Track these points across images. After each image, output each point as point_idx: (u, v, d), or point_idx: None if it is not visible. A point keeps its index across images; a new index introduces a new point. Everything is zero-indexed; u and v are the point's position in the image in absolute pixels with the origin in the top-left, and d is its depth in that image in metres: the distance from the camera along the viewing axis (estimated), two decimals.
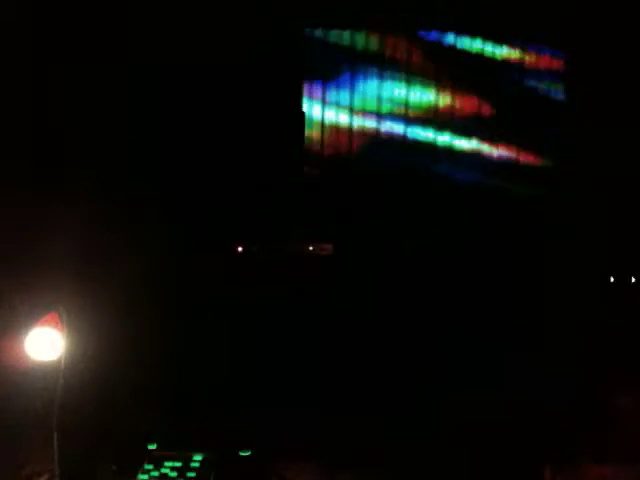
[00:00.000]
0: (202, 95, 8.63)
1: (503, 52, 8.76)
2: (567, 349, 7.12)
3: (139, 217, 7.79)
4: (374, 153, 8.78)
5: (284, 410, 6.81)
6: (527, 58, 8.73)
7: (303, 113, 8.77)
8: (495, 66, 8.75)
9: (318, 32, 8.90)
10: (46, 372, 5.38)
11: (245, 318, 7.58)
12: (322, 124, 8.93)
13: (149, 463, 5.56)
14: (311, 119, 8.93)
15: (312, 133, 8.93)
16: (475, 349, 7.24)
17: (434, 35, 8.72)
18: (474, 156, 8.72)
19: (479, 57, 8.75)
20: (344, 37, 8.88)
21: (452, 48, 8.73)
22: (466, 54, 8.76)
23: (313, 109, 8.96)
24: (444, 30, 8.71)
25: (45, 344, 5.34)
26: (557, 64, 8.77)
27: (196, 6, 8.42)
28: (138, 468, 5.52)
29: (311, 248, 8.30)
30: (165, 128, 8.57)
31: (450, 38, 8.73)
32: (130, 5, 8.27)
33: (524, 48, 8.69)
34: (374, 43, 8.81)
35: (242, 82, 8.61)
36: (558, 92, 8.70)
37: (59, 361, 5.30)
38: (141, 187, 8.10)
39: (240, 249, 8.36)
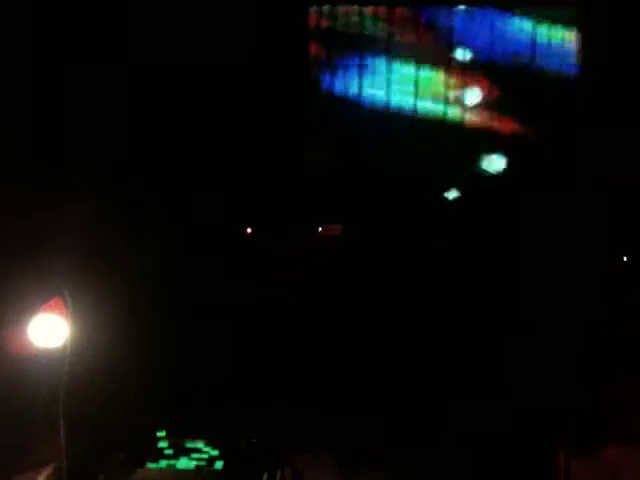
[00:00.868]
0: (203, 95, 8.60)
1: (514, 26, 8.72)
2: (578, 333, 7.08)
3: (141, 209, 7.75)
4: (383, 133, 8.72)
5: (291, 409, 6.75)
6: (539, 32, 8.70)
7: (308, 98, 8.72)
8: (506, 41, 8.72)
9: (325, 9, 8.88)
10: (51, 359, 5.31)
11: (253, 312, 7.54)
12: (329, 107, 8.88)
13: (158, 451, 5.49)
14: (318, 102, 8.88)
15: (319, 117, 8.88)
16: (482, 339, 7.20)
17: (442, 10, 8.70)
18: (483, 133, 8.68)
19: (489, 32, 8.73)
20: (351, 17, 8.86)
21: (460, 23, 8.71)
22: (475, 29, 8.73)
23: (320, 92, 8.91)
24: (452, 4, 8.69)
25: (49, 330, 5.26)
26: (570, 38, 8.73)
27: (196, 6, 8.41)
28: (147, 456, 5.45)
29: (320, 229, 8.25)
30: (165, 128, 8.53)
31: (458, 13, 8.71)
32: (130, 5, 8.26)
33: (536, 21, 8.67)
34: (381, 24, 8.79)
35: (243, 81, 8.58)
36: (571, 69, 8.66)
37: (64, 347, 5.24)
38: (142, 182, 8.05)
39: (249, 231, 8.30)
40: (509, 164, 8.70)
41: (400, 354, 7.44)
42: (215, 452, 5.47)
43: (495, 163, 8.68)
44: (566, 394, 6.55)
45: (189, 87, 8.59)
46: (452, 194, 8.51)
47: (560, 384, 6.65)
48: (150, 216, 7.95)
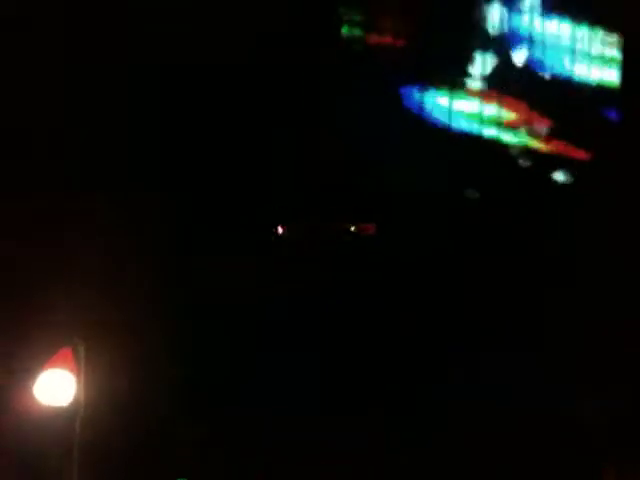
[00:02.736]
0: (204, 95, 8.38)
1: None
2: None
3: (154, 223, 7.60)
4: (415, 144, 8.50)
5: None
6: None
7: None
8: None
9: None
10: (63, 413, 5.20)
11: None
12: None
13: None
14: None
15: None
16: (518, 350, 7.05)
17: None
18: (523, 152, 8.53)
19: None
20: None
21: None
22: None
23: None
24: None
25: (57, 387, 5.06)
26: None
27: (196, 6, 8.18)
28: None
29: (352, 228, 8.02)
30: (165, 128, 8.32)
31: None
32: (130, 5, 8.02)
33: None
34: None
35: (244, 81, 8.37)
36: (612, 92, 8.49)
37: (77, 401, 5.12)
38: (148, 190, 7.88)
39: (280, 230, 8.08)
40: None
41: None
42: None
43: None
44: (619, 408, 6.51)
45: (189, 87, 8.36)
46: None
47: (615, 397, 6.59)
48: (165, 219, 7.80)
